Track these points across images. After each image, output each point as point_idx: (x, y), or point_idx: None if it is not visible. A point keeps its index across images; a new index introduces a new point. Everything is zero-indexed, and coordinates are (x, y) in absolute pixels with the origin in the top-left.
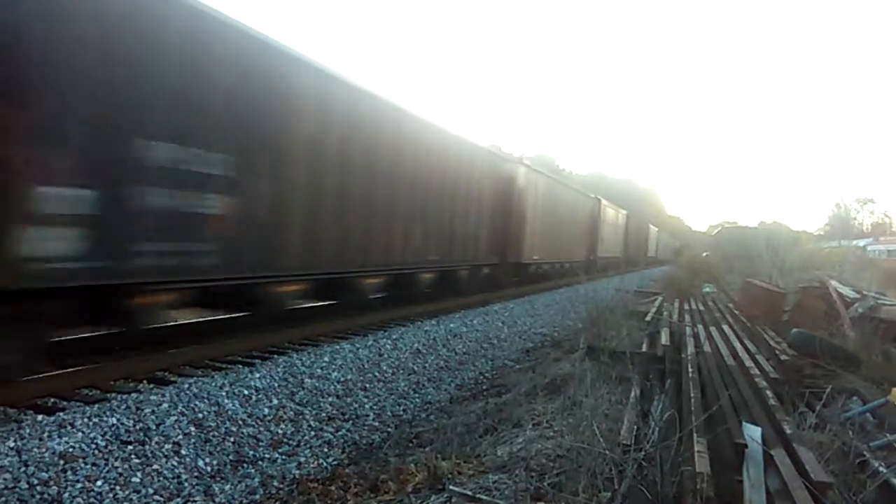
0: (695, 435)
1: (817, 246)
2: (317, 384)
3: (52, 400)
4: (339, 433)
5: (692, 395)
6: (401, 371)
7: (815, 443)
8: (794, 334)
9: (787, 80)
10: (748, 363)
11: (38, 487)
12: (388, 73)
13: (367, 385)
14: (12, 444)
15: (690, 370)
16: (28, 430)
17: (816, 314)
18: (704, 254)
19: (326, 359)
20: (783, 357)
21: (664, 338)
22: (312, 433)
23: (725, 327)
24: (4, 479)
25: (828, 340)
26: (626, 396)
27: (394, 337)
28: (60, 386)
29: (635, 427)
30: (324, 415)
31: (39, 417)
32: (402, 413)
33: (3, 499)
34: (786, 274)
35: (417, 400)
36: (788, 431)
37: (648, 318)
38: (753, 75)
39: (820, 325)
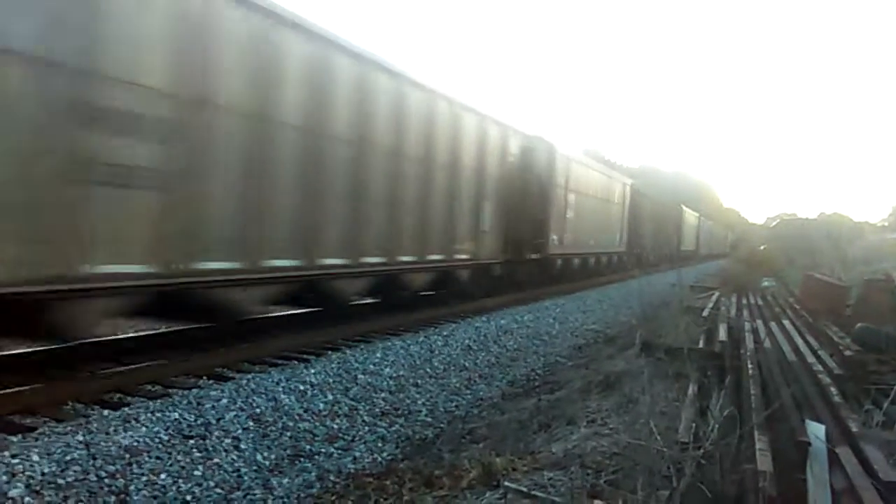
0: (756, 432)
1: (881, 237)
2: (370, 380)
3: (117, 395)
4: (393, 428)
5: (752, 391)
6: (452, 367)
7: (882, 441)
8: (859, 329)
9: (849, 67)
10: (810, 359)
11: (106, 480)
12: (438, 70)
13: (419, 381)
14: (81, 438)
15: (750, 366)
16: (95, 425)
17: (881, 308)
18: (762, 247)
19: (379, 355)
20: (847, 353)
21: (722, 333)
22: (366, 428)
23: (786, 322)
24: (74, 472)
25: (894, 335)
26: (683, 394)
27: (444, 333)
28: (124, 382)
29: (693, 424)
30: (377, 410)
31: (105, 412)
32: (454, 409)
33: (74, 490)
34: (848, 267)
35: (469, 396)
36: (854, 429)
37: (705, 313)
38: (815, 62)
39: (885, 319)
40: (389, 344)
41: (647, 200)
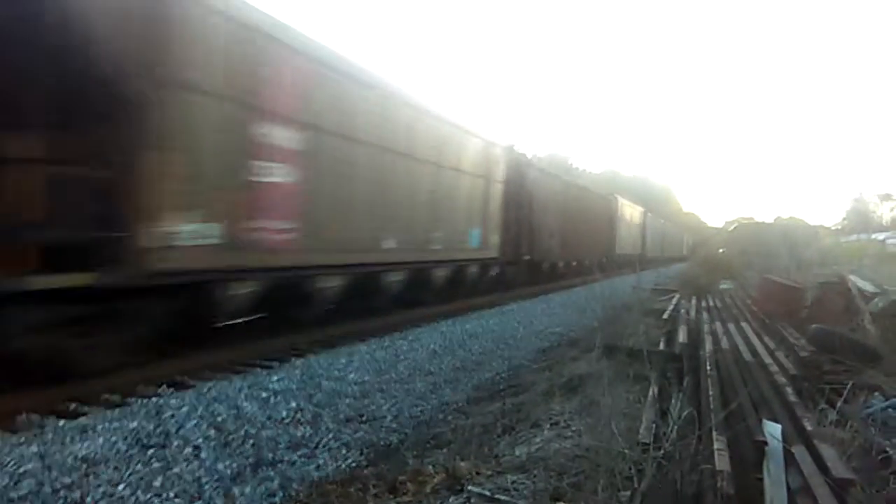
0: (714, 433)
1: (836, 240)
2: (334, 386)
3: (73, 405)
4: (357, 435)
5: (711, 392)
6: (417, 372)
7: (836, 440)
8: (814, 330)
9: (804, 73)
10: (767, 360)
11: (62, 492)
12: (397, 72)
13: (385, 386)
14: (35, 449)
15: (709, 368)
16: (51, 436)
17: (836, 310)
18: (720, 250)
19: (343, 360)
20: (802, 353)
21: (682, 335)
22: (330, 435)
23: (744, 324)
24: (28, 484)
25: (848, 336)
26: (644, 395)
27: (410, 338)
28: (81, 391)
29: (654, 425)
30: (342, 416)
31: (61, 422)
32: (419, 414)
33: (28, 503)
34: (804, 269)
35: (435, 401)
36: (809, 428)
37: (665, 315)
38: (769, 68)
39: (840, 320)
40: (354, 349)
41: (553, 183)
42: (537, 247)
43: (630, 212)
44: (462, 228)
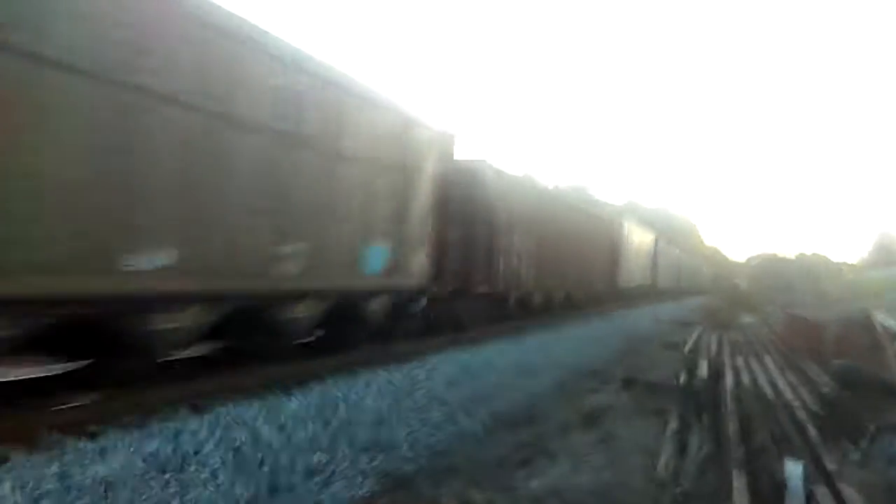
0: (734, 471)
1: (859, 276)
2: (351, 412)
3: (93, 426)
4: (373, 463)
5: (731, 428)
6: (435, 401)
7: (859, 480)
8: (837, 367)
9: (827, 108)
10: (789, 396)
11: None
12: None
13: (402, 414)
14: (55, 469)
15: (729, 403)
16: (70, 456)
17: (860, 347)
18: (743, 285)
19: (361, 386)
20: (825, 390)
21: (703, 369)
22: (347, 462)
23: (766, 359)
24: None
25: (872, 374)
26: (663, 430)
27: (428, 367)
28: (100, 412)
29: (672, 461)
30: (358, 444)
31: (81, 443)
32: (435, 444)
33: None
34: (827, 305)
35: (451, 430)
36: (831, 468)
37: (687, 349)
38: (793, 103)
39: (864, 358)
40: (372, 376)
41: (526, 194)
42: (500, 275)
43: (639, 238)
44: (349, 242)
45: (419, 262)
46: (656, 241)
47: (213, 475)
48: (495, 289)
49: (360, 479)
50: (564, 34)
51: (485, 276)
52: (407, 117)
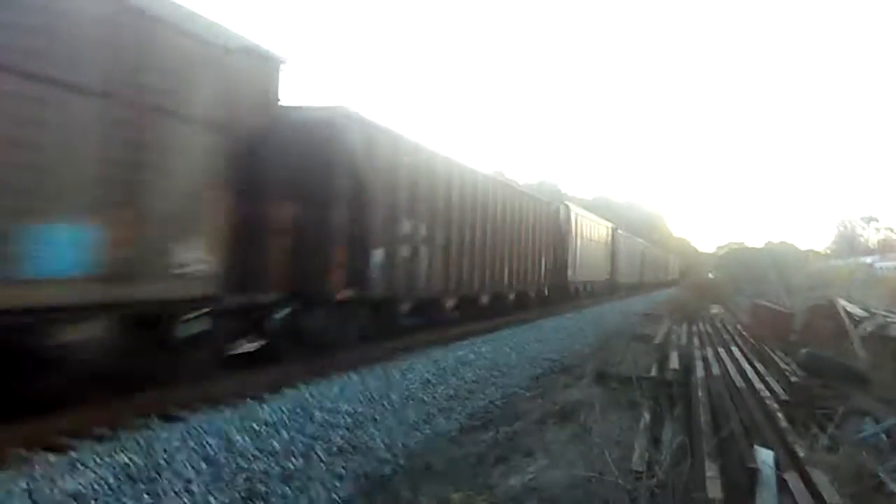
0: (706, 460)
1: (824, 265)
2: (326, 416)
3: (63, 439)
4: (350, 466)
5: (702, 419)
6: (410, 401)
7: (828, 465)
8: (804, 355)
9: (790, 99)
10: (758, 385)
11: None
12: (387, 99)
13: (377, 416)
14: (24, 485)
15: (700, 394)
16: (39, 470)
17: (825, 334)
18: (710, 274)
19: (336, 390)
20: (793, 378)
21: (673, 361)
22: (323, 466)
23: (734, 349)
24: None
25: (837, 360)
26: (636, 422)
27: (403, 367)
28: (70, 425)
29: (647, 453)
30: (334, 447)
31: (51, 457)
32: (412, 444)
33: None
34: (793, 294)
35: (428, 430)
36: (801, 454)
37: (657, 341)
38: (757, 94)
39: (829, 344)
40: (346, 379)
41: (418, 163)
42: (378, 275)
43: (591, 228)
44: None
45: (193, 257)
46: (614, 231)
47: None
48: (370, 293)
49: None
50: (530, 31)
51: (350, 275)
52: (186, 30)
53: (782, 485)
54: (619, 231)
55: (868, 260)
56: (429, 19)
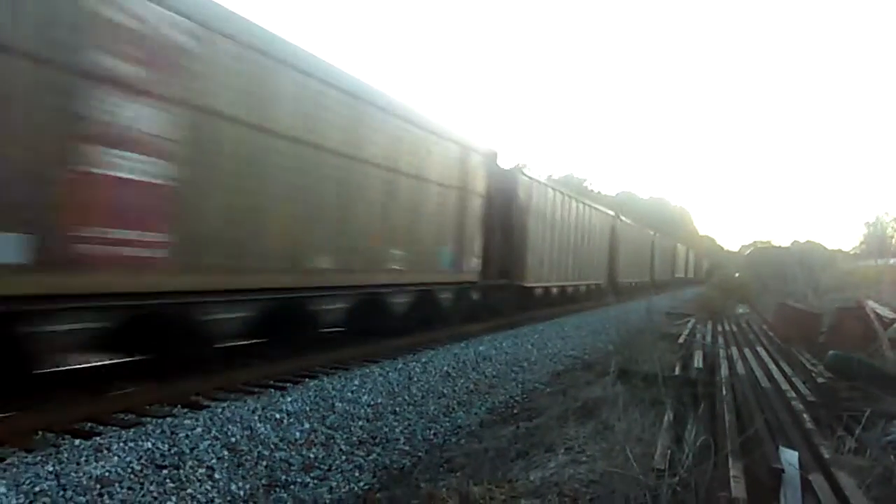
0: (730, 459)
1: (853, 265)
2: (347, 407)
3: (88, 425)
4: (370, 457)
5: (727, 418)
6: (431, 394)
7: (854, 468)
8: (831, 356)
9: (820, 95)
10: (784, 386)
11: None
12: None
13: (398, 409)
14: (51, 469)
15: (725, 393)
16: (66, 455)
17: (854, 335)
18: (736, 274)
19: (357, 382)
20: (820, 380)
21: (697, 360)
22: (344, 457)
23: (760, 349)
24: (44, 503)
25: (866, 362)
26: (659, 420)
27: (423, 360)
28: (96, 411)
29: (669, 451)
30: (354, 438)
31: (77, 442)
32: (432, 437)
33: None
34: (821, 294)
35: (448, 424)
36: (827, 456)
37: (681, 339)
38: (786, 91)
39: (857, 346)
40: (367, 371)
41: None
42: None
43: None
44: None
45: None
46: (616, 217)
47: None
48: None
49: None
50: (561, 28)
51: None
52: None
53: (807, 486)
54: (622, 219)
55: None
56: (464, 12)
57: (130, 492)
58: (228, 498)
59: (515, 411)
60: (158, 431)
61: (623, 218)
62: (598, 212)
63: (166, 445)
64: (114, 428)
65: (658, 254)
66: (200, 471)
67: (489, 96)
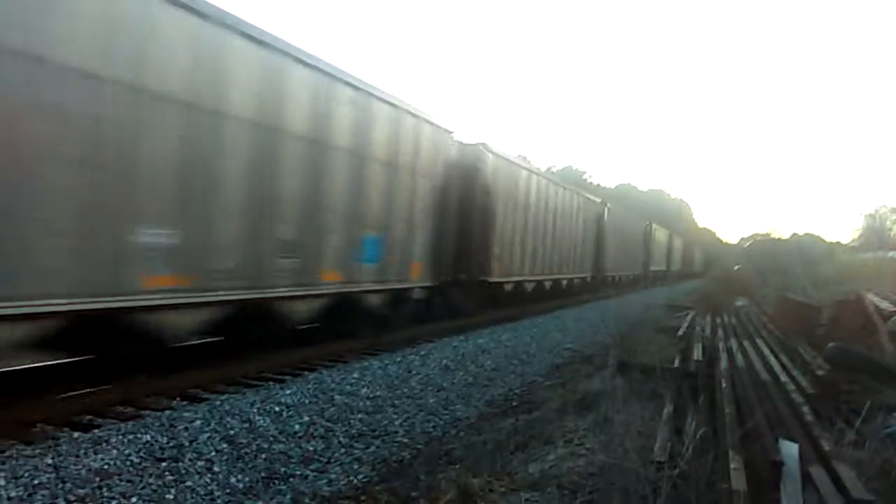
0: (730, 452)
1: (852, 257)
2: (346, 400)
3: (87, 417)
4: (369, 450)
5: (726, 410)
6: (430, 387)
7: (854, 460)
8: (830, 349)
9: (819, 88)
10: (783, 378)
11: None
12: (412, 86)
13: (397, 402)
14: (50, 461)
15: (724, 385)
16: (65, 447)
17: (853, 328)
18: (736, 266)
19: (356, 375)
20: (819, 372)
21: (697, 353)
22: (343, 450)
23: (759, 342)
24: (42, 496)
25: (865, 355)
26: (658, 413)
27: (422, 353)
28: (95, 403)
29: (669, 444)
30: (354, 431)
31: (76, 434)
32: (431, 430)
33: None
34: (820, 287)
35: (447, 416)
36: (826, 448)
37: (680, 332)
38: (784, 83)
39: (857, 339)
40: (367, 364)
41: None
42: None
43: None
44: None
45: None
46: (604, 205)
47: None
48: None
49: None
50: (562, 21)
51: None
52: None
53: (807, 478)
54: (610, 206)
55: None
56: (464, 5)
57: (129, 484)
58: (228, 490)
59: (514, 404)
60: (157, 424)
61: (611, 206)
62: (583, 198)
63: (165, 438)
64: (112, 420)
65: (654, 246)
66: (199, 463)
67: (488, 89)
